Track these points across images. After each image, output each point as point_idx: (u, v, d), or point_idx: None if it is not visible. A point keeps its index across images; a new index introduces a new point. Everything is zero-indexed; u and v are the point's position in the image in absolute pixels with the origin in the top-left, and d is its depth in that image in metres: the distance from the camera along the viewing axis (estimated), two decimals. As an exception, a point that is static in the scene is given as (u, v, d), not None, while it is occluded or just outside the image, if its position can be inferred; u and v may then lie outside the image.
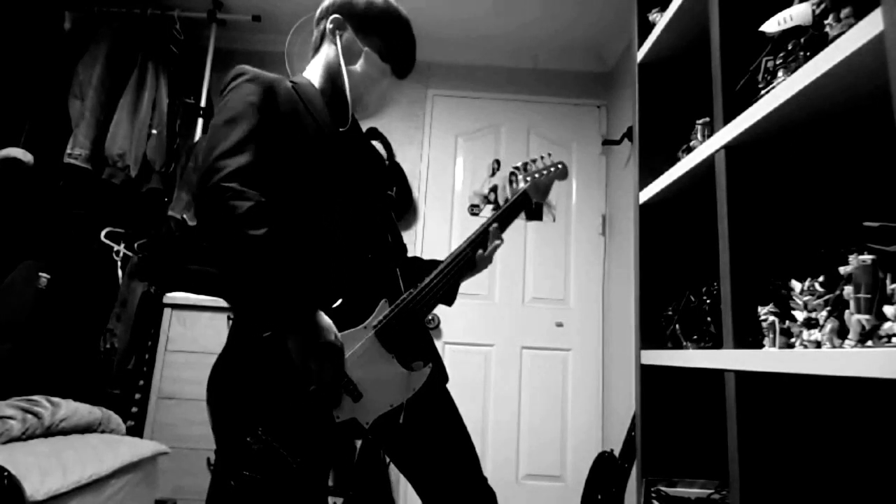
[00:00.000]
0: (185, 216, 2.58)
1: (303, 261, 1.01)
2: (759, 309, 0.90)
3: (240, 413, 0.98)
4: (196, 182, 0.96)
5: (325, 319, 0.97)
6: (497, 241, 1.20)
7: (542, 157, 1.32)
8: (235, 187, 0.93)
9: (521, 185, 1.30)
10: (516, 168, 1.32)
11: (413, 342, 1.12)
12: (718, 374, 0.98)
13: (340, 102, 1.18)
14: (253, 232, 0.91)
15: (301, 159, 1.07)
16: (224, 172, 0.94)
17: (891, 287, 0.66)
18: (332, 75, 1.19)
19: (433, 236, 3.03)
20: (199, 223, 0.97)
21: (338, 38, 1.19)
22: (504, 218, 1.24)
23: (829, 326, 0.75)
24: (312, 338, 0.95)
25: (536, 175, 1.30)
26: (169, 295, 2.39)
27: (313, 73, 1.22)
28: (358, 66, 1.18)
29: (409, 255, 1.30)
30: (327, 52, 1.20)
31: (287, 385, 0.99)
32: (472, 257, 1.18)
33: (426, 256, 1.52)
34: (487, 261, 1.21)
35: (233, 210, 0.91)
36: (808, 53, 0.83)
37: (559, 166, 1.31)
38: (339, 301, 1.04)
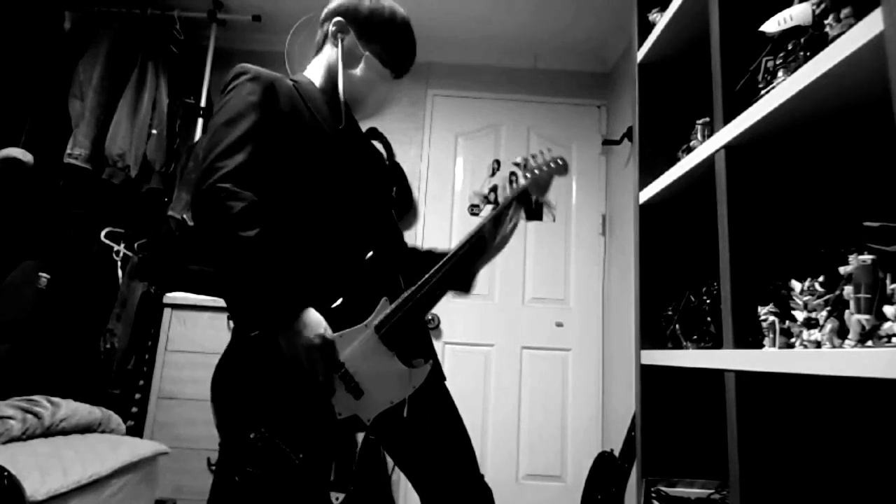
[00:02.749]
0: (185, 216, 2.58)
1: (298, 260, 1.02)
2: (759, 309, 0.90)
3: (243, 410, 0.99)
4: (193, 183, 0.98)
5: (314, 316, 0.98)
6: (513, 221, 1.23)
7: (541, 153, 1.31)
8: (230, 188, 0.95)
9: (521, 181, 1.29)
10: (516, 164, 1.31)
11: (413, 340, 1.13)
12: (718, 374, 0.98)
13: (339, 103, 1.19)
14: (243, 233, 0.93)
15: (302, 157, 1.08)
16: (220, 173, 0.96)
17: (891, 287, 0.66)
18: (332, 76, 1.20)
19: (433, 236, 3.03)
20: (195, 224, 0.99)
21: (340, 41, 1.20)
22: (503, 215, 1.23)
23: (829, 326, 0.75)
24: (300, 335, 0.96)
25: (536, 171, 1.28)
26: (169, 295, 2.39)
27: (314, 72, 1.23)
28: (359, 70, 1.19)
29: (425, 248, 1.32)
30: (329, 53, 1.22)
31: (289, 382, 1.00)
32: (478, 247, 1.19)
33: (426, 256, 1.52)
34: (503, 243, 1.23)
35: (226, 211, 0.93)
36: (808, 53, 0.83)
37: (559, 161, 1.29)
38: (340, 300, 1.04)
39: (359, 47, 1.20)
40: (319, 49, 1.25)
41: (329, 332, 0.99)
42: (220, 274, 1.07)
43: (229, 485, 0.98)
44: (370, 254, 1.12)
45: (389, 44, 1.21)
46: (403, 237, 1.29)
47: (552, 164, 1.29)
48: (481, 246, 1.20)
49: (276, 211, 1.01)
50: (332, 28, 1.20)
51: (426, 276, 1.12)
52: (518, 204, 1.25)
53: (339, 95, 1.19)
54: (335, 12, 1.21)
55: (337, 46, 1.20)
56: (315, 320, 0.98)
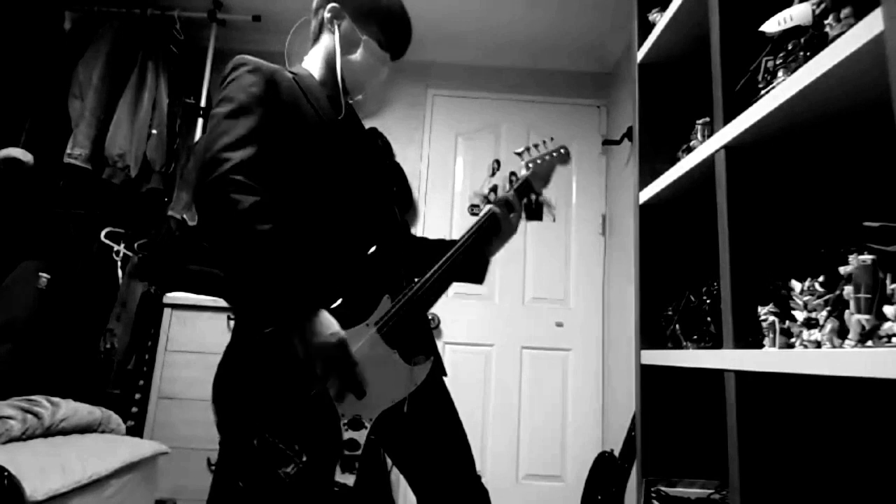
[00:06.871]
0: (185, 216, 2.58)
1: (305, 257, 1.01)
2: (759, 309, 0.90)
3: (245, 412, 0.98)
4: (197, 173, 0.95)
5: (327, 316, 0.97)
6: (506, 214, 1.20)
7: (543, 142, 1.30)
8: (240, 180, 0.92)
9: (523, 171, 1.27)
10: (517, 153, 1.30)
11: (414, 336, 1.12)
12: (718, 374, 0.98)
13: (339, 93, 1.18)
14: (260, 227, 0.91)
15: (303, 151, 1.07)
16: (228, 165, 0.93)
17: (891, 287, 0.66)
18: (332, 66, 1.18)
19: (433, 236, 3.03)
20: (200, 216, 0.96)
21: (336, 27, 1.18)
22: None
23: (829, 326, 0.75)
24: (316, 333, 0.95)
25: (538, 161, 1.27)
26: (169, 295, 2.39)
27: (313, 63, 1.21)
28: (358, 55, 1.18)
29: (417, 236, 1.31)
30: (326, 42, 1.20)
31: (291, 384, 0.99)
32: (484, 237, 1.18)
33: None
34: (509, 233, 1.21)
35: (237, 204, 0.91)
36: (808, 53, 0.83)
37: (560, 151, 1.28)
38: (339, 301, 1.04)
39: (356, 32, 1.18)
40: (316, 39, 1.23)
41: (342, 332, 0.98)
42: (229, 270, 1.04)
43: (231, 487, 0.97)
44: (372, 249, 1.11)
45: (386, 26, 1.19)
46: (409, 230, 1.27)
47: (554, 154, 1.28)
48: (487, 235, 1.19)
49: (282, 206, 0.99)
50: (326, 15, 1.19)
51: (428, 273, 1.12)
52: (521, 194, 1.25)
53: (338, 86, 1.17)
54: None
55: (333, 33, 1.18)
56: (329, 319, 0.97)
